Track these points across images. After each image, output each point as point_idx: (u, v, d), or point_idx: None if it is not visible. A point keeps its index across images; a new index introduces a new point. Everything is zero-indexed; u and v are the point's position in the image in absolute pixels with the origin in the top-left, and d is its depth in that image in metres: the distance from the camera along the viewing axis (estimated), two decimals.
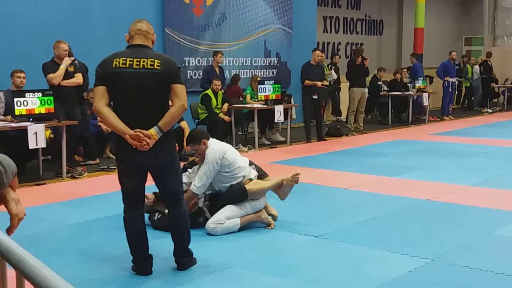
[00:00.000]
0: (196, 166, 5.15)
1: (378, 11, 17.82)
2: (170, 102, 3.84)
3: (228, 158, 4.92)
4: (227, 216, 4.90)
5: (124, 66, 3.70)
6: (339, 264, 4.16)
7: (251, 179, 5.08)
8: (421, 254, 4.29)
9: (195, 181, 4.85)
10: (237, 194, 4.95)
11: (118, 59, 3.72)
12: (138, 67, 3.70)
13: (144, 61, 3.72)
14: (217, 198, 5.06)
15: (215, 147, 4.94)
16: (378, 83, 13.80)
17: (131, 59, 3.72)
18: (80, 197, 6.27)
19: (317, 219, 5.33)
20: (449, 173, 7.46)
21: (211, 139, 5.05)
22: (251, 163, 5.31)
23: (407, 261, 4.18)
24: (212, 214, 4.97)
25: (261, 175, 5.30)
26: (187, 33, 11.09)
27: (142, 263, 3.96)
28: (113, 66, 3.70)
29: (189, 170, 5.26)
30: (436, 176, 7.24)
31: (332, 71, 13.92)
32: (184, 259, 4.04)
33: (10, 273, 1.51)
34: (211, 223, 4.86)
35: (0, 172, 1.57)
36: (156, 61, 3.74)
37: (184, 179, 5.17)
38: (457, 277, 3.92)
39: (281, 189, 5.16)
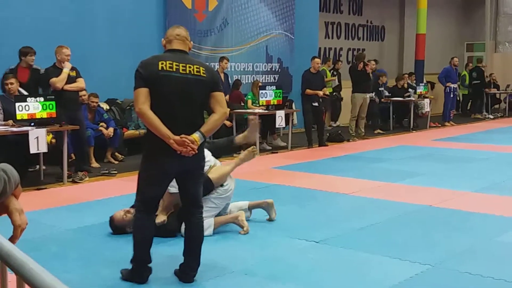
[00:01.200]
0: None
1: (380, 17, 17.84)
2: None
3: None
4: None
5: (171, 70, 3.65)
6: (340, 270, 4.15)
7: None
8: (422, 260, 4.28)
9: None
10: (205, 184, 4.84)
11: (164, 62, 3.66)
12: (184, 72, 3.68)
13: (190, 67, 3.70)
14: None
15: None
16: (380, 88, 13.80)
17: (177, 63, 3.68)
18: (81, 202, 6.27)
19: (318, 225, 5.32)
20: (450, 179, 7.45)
21: None
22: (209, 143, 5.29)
23: (408, 267, 4.17)
24: None
25: (231, 141, 5.35)
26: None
27: (143, 269, 3.89)
28: (160, 68, 3.64)
29: None
30: (438, 182, 7.23)
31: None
32: (195, 272, 3.94)
33: (10, 277, 1.51)
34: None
35: (4, 181, 1.57)
36: (201, 68, 3.75)
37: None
38: (458, 283, 3.91)
39: (242, 161, 5.14)
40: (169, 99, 3.66)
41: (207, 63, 3.76)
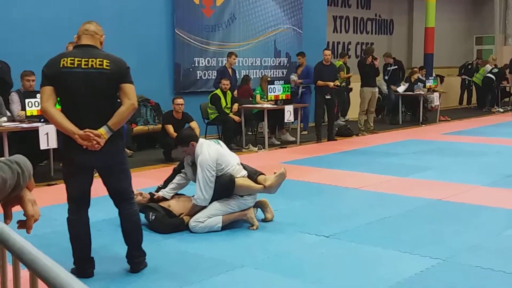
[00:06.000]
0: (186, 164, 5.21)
1: (388, 11, 17.76)
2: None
3: (221, 163, 4.95)
4: (208, 214, 4.92)
5: (72, 65, 3.70)
6: (350, 264, 4.15)
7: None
8: (432, 254, 4.27)
9: (200, 193, 4.85)
10: (225, 182, 4.92)
11: (65, 59, 3.72)
12: (86, 66, 3.71)
13: (92, 61, 3.73)
14: None
15: (206, 154, 4.91)
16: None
17: (79, 58, 3.72)
18: (91, 197, 6.28)
19: (327, 219, 5.32)
20: (460, 173, 7.42)
21: (200, 140, 5.08)
22: (241, 164, 5.29)
23: (418, 261, 4.16)
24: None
25: (254, 174, 5.20)
26: (197, 33, 11.11)
27: (85, 265, 3.93)
28: (61, 66, 3.69)
29: (183, 170, 5.30)
30: (447, 176, 7.21)
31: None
32: (138, 259, 4.01)
33: (23, 273, 1.52)
34: (192, 221, 4.91)
35: (18, 174, 1.56)
36: (104, 60, 3.75)
37: (180, 180, 5.29)
38: (469, 277, 3.90)
39: (268, 190, 5.13)
40: (73, 94, 3.71)
41: (117, 58, 3.73)
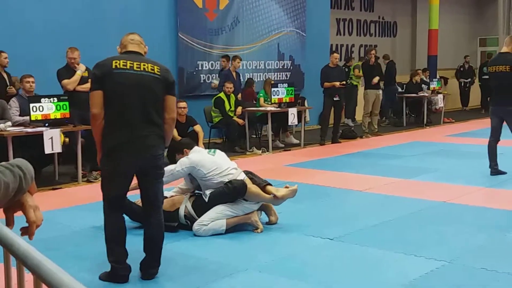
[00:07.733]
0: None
1: (392, 13, 17.76)
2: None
3: (202, 169, 4.97)
4: (212, 218, 4.92)
5: (124, 67, 3.72)
6: (355, 267, 4.14)
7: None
8: (437, 256, 4.26)
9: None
10: (238, 185, 4.93)
11: (117, 61, 3.73)
12: (139, 69, 3.74)
13: (144, 65, 3.77)
14: (212, 194, 5.05)
15: (192, 157, 5.02)
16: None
17: (131, 61, 3.75)
18: (96, 201, 6.27)
19: (332, 222, 5.32)
20: (464, 175, 7.41)
21: (195, 148, 5.19)
22: (249, 173, 5.30)
23: (423, 263, 4.16)
24: (196, 213, 5.01)
25: (263, 182, 5.22)
26: (200, 37, 11.12)
27: (121, 268, 3.87)
28: (113, 67, 3.70)
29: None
30: (452, 178, 7.19)
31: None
32: (154, 270, 3.97)
33: (27, 277, 1.52)
34: (196, 224, 4.92)
35: (20, 177, 1.55)
36: (155, 67, 3.80)
37: (184, 185, 5.36)
38: (474, 279, 3.89)
39: (277, 200, 5.16)
40: (124, 95, 3.71)
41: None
